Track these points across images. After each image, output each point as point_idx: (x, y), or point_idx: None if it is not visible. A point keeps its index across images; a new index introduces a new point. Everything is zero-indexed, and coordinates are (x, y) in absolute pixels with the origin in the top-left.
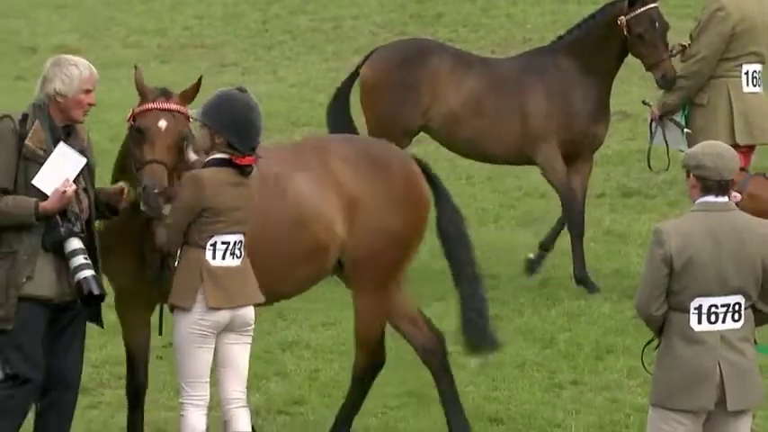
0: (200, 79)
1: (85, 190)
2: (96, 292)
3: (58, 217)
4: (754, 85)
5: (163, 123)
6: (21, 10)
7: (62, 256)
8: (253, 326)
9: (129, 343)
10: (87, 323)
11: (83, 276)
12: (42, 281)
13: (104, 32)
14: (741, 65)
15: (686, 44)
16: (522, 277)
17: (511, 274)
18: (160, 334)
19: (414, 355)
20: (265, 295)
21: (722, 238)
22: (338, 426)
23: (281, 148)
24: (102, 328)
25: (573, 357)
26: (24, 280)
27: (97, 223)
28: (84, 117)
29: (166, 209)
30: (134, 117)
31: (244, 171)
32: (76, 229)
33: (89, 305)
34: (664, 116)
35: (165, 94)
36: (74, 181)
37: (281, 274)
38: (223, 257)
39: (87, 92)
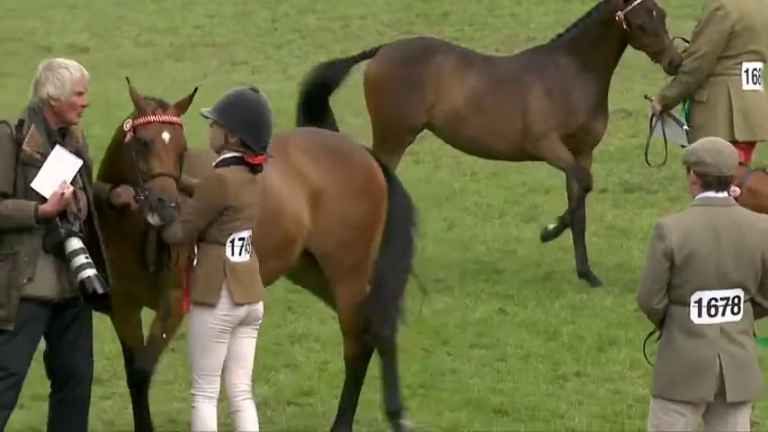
0: (195, 91)
1: (83, 189)
2: (100, 290)
3: (57, 218)
4: (755, 83)
5: (167, 136)
6: (35, 10)
7: (62, 257)
8: (261, 320)
9: (122, 338)
10: (94, 314)
11: (86, 276)
12: (43, 281)
13: (116, 32)
14: (741, 63)
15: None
16: (527, 271)
17: (515, 269)
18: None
19: (420, 349)
20: None
21: (722, 232)
22: (341, 416)
23: None
24: (109, 315)
25: (576, 349)
26: (25, 281)
27: None
28: (79, 119)
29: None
30: (134, 129)
31: (255, 169)
32: (75, 228)
33: (93, 303)
34: (664, 111)
35: (163, 106)
36: (71, 182)
37: None
38: (240, 253)
39: (80, 94)
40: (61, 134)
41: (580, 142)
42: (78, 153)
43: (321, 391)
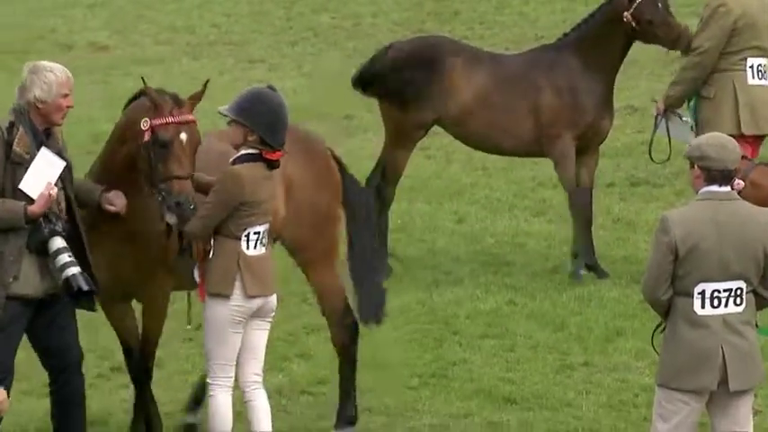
0: (206, 84)
1: (63, 189)
2: (85, 287)
3: (40, 219)
4: (760, 78)
5: (184, 136)
6: (57, 9)
7: (45, 256)
8: (274, 313)
9: (117, 331)
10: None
11: (70, 274)
12: (27, 280)
13: (135, 30)
14: (745, 59)
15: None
16: (535, 264)
17: (524, 261)
18: (189, 323)
19: (431, 339)
20: None
21: (725, 226)
22: (344, 403)
23: (222, 134)
24: (95, 311)
25: (583, 340)
26: (11, 280)
27: None
28: (63, 120)
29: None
30: (153, 129)
31: (272, 165)
32: (58, 228)
33: (78, 301)
34: (668, 109)
35: (178, 102)
36: (54, 183)
37: None
38: (255, 247)
39: (65, 96)
40: (45, 135)
41: (588, 140)
42: (60, 154)
43: (334, 380)
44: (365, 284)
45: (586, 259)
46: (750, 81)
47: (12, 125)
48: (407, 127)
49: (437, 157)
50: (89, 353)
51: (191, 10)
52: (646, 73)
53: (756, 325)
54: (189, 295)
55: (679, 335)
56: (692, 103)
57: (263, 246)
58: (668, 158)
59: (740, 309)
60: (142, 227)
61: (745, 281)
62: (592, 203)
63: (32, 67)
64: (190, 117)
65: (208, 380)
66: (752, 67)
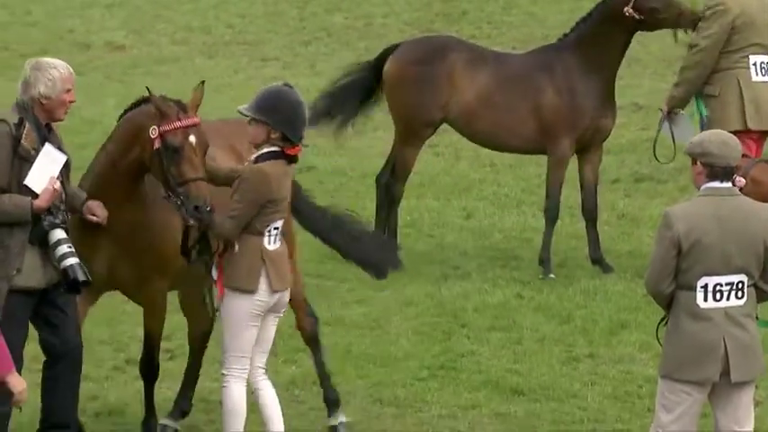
0: (202, 83)
1: (62, 183)
2: (81, 278)
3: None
4: (764, 75)
5: (193, 139)
6: (75, 9)
7: (45, 248)
8: (285, 308)
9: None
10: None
11: (69, 264)
12: (30, 272)
13: (152, 30)
14: (747, 56)
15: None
16: None
17: (531, 256)
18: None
19: (440, 332)
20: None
21: (727, 221)
22: (326, 389)
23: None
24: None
25: (589, 332)
26: (14, 272)
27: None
28: (65, 115)
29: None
30: (162, 135)
31: (292, 160)
32: (58, 220)
33: (73, 291)
34: (671, 111)
35: (183, 108)
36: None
37: None
38: (274, 242)
39: (68, 91)
40: (47, 130)
41: (590, 139)
42: (60, 149)
43: (345, 372)
44: (357, 252)
45: (592, 253)
46: (754, 78)
47: (21, 121)
48: (416, 125)
49: (446, 154)
50: (105, 345)
51: (206, 10)
52: (649, 72)
53: (757, 317)
54: (210, 290)
55: (682, 327)
56: (699, 101)
57: (280, 240)
58: (673, 159)
59: (741, 302)
60: (139, 232)
61: (747, 275)
62: (596, 200)
63: (35, 63)
64: (196, 120)
65: (223, 371)
66: (755, 64)
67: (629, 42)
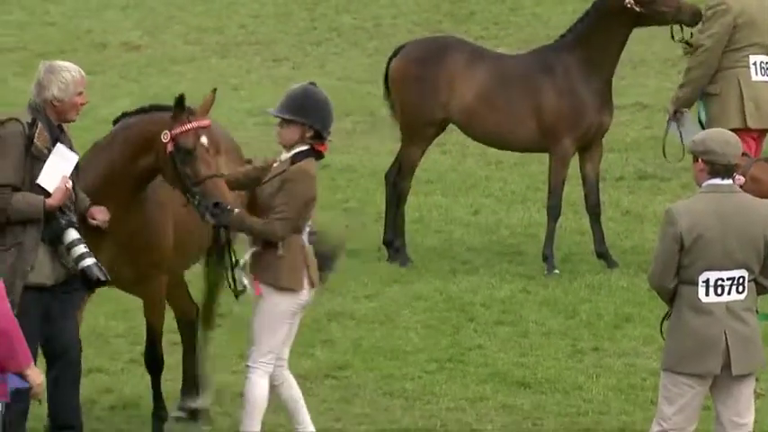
0: (214, 91)
1: (73, 183)
2: (103, 278)
3: (56, 211)
4: (763, 75)
5: (205, 139)
6: (91, 10)
7: (54, 245)
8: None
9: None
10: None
11: (86, 264)
12: (42, 269)
13: (167, 30)
14: (748, 56)
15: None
16: None
17: (537, 252)
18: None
19: (448, 326)
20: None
21: (728, 217)
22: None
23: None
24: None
25: (594, 326)
26: (29, 269)
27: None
28: (77, 116)
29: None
30: (174, 138)
31: (321, 157)
32: (73, 218)
33: (92, 289)
34: (677, 111)
35: (191, 112)
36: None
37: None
38: (308, 241)
39: (80, 93)
40: (59, 131)
41: (590, 138)
42: (72, 149)
43: (355, 365)
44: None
45: (597, 248)
46: (754, 77)
47: (34, 121)
48: (418, 124)
49: (453, 152)
50: (120, 338)
51: (219, 11)
52: (654, 72)
53: (757, 311)
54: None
55: (684, 321)
56: (700, 103)
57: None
58: (682, 158)
59: (742, 296)
60: (140, 231)
61: (747, 269)
62: (599, 196)
63: (49, 66)
64: (207, 121)
65: (249, 363)
66: (755, 63)
67: (627, 39)
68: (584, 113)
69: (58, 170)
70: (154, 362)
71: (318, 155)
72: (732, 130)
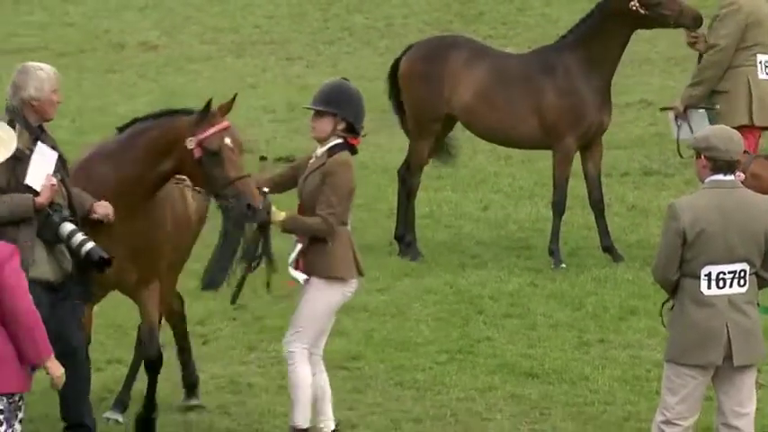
0: (234, 96)
1: (62, 180)
2: (106, 255)
3: (47, 208)
4: (767, 74)
5: (229, 141)
6: (109, 11)
7: (55, 243)
8: None
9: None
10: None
11: (89, 248)
12: (44, 266)
13: (184, 30)
14: (755, 54)
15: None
16: None
17: (545, 246)
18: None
19: (458, 318)
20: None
21: (730, 212)
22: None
23: None
24: (91, 300)
25: (600, 318)
26: (31, 262)
27: None
28: (55, 114)
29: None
30: (200, 143)
31: (354, 151)
32: (66, 214)
33: (99, 269)
34: (688, 109)
35: (213, 115)
36: (53, 173)
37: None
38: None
39: (55, 91)
40: (40, 131)
41: (591, 136)
42: (54, 148)
43: (368, 356)
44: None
45: (603, 242)
46: (760, 76)
47: (11, 123)
48: (424, 120)
49: (463, 148)
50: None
51: (235, 12)
52: (658, 70)
53: (758, 304)
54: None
55: (686, 314)
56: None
57: None
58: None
59: (744, 289)
60: (149, 233)
61: (749, 263)
62: (602, 191)
63: (22, 68)
64: (227, 123)
65: (291, 349)
66: (761, 62)
67: (628, 41)
68: (586, 112)
69: (41, 168)
70: (159, 360)
71: (352, 149)
72: (738, 126)
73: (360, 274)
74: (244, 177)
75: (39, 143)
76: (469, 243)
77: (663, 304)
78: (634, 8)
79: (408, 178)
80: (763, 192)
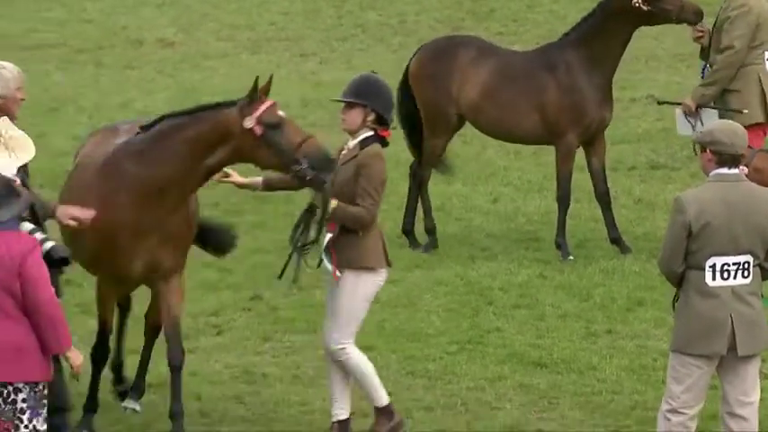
0: (270, 77)
1: (23, 181)
2: (65, 254)
3: None
4: None
5: (282, 112)
6: (128, 8)
7: None
8: None
9: (102, 318)
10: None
11: (50, 246)
12: None
13: (200, 27)
14: (764, 53)
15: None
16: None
17: (553, 238)
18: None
19: (468, 309)
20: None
21: (734, 205)
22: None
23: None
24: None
25: (607, 309)
26: None
27: None
28: (18, 112)
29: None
30: (258, 120)
31: (385, 143)
32: (24, 215)
33: (58, 268)
34: (699, 107)
35: (259, 96)
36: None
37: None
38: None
39: (19, 89)
40: None
41: (593, 132)
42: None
43: (379, 346)
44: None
45: (611, 234)
46: None
47: None
48: (435, 118)
49: (473, 142)
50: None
51: (250, 9)
52: (665, 66)
53: (762, 295)
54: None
55: (691, 305)
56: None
57: None
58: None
59: (747, 281)
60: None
61: (752, 255)
62: (607, 185)
63: None
64: (272, 100)
65: (341, 346)
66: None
67: (630, 38)
68: (587, 109)
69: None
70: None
71: (383, 141)
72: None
73: (388, 264)
74: (309, 138)
75: None
76: (479, 235)
77: (674, 299)
78: (637, 4)
79: (418, 171)
80: (766, 185)
